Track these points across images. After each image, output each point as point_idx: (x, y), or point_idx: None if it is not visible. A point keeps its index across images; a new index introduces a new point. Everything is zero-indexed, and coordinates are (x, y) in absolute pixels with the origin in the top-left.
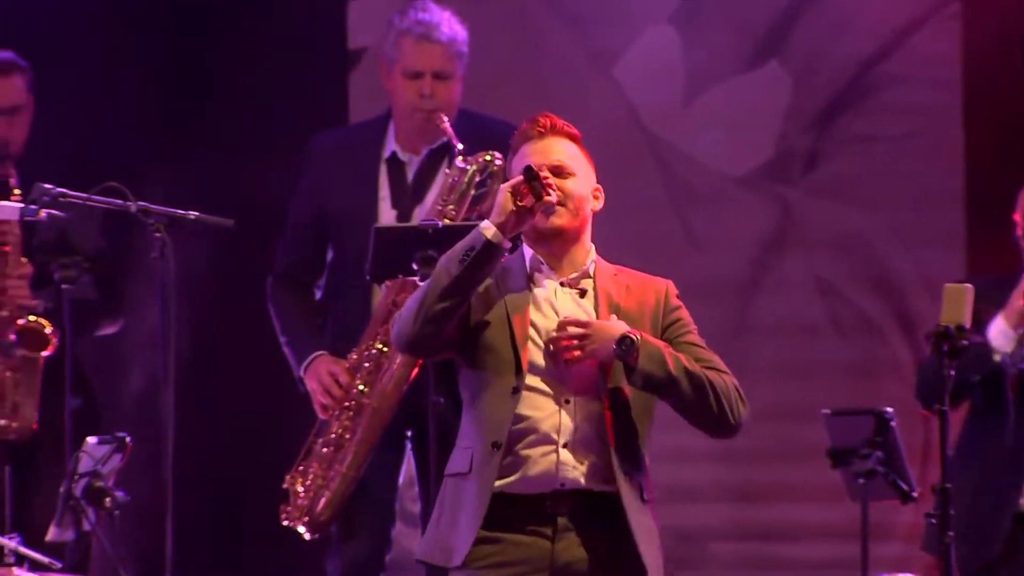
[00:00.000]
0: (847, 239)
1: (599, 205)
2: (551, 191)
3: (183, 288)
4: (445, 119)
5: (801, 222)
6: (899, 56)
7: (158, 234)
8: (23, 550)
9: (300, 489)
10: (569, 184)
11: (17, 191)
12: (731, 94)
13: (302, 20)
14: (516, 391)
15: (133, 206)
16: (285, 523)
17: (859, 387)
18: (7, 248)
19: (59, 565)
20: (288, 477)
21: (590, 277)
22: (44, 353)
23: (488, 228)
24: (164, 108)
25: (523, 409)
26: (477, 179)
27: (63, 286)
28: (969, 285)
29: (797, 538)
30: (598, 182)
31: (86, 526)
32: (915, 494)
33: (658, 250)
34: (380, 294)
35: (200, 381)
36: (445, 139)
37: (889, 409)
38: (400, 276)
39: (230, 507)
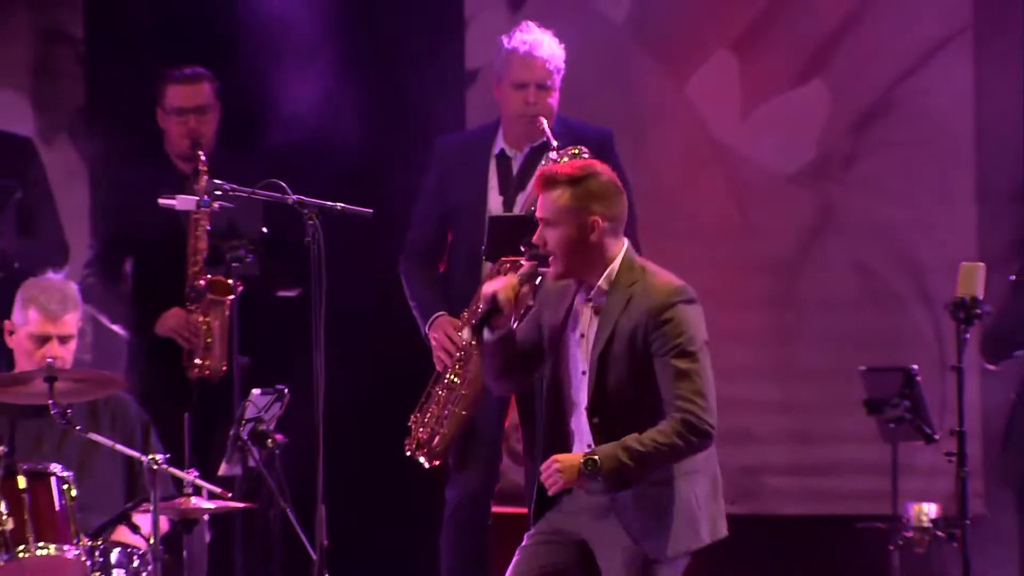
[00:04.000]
0: (878, 227)
1: (596, 233)
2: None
3: (330, 265)
4: (544, 122)
5: (840, 213)
6: (920, 74)
7: (311, 221)
8: (200, 482)
9: (420, 426)
10: (548, 235)
11: (204, 177)
12: (782, 106)
13: (426, 44)
14: None
15: (291, 198)
16: (408, 454)
17: (889, 350)
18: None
19: (229, 495)
20: (412, 416)
21: (605, 292)
22: (230, 298)
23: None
24: (314, 123)
25: None
26: None
27: (232, 264)
28: (982, 263)
29: (839, 473)
30: (615, 197)
31: (251, 463)
32: (936, 436)
33: (722, 236)
34: (487, 267)
35: (344, 341)
36: (544, 139)
37: (915, 367)
38: (511, 255)
39: (370, 444)
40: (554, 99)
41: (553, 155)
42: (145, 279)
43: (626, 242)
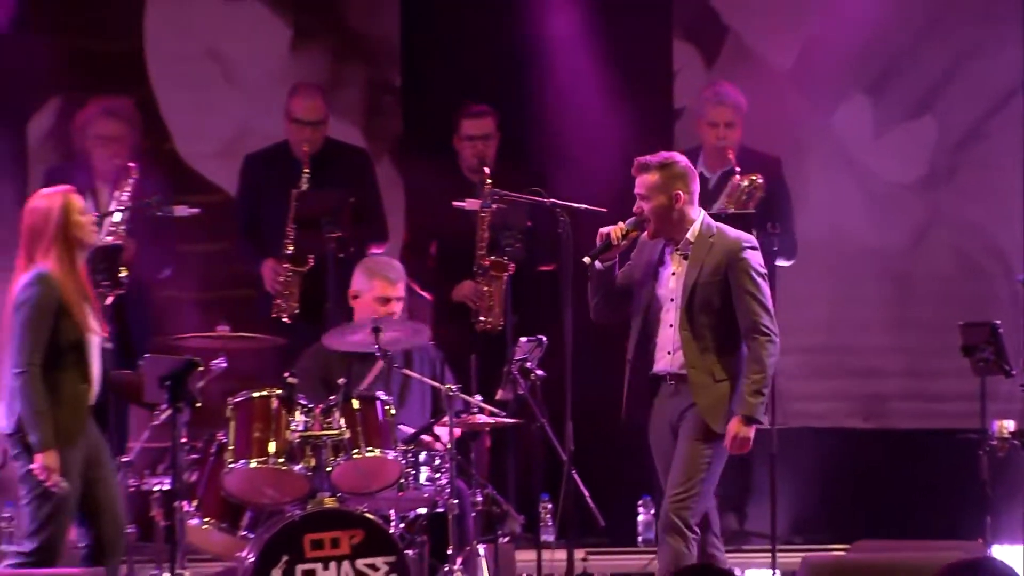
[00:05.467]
0: (972, 223)
1: (679, 203)
2: (613, 242)
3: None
4: (731, 152)
5: (944, 213)
6: (1003, 111)
7: (563, 218)
8: (484, 405)
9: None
10: (644, 206)
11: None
12: (901, 134)
13: (645, 90)
14: None
15: (548, 201)
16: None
17: (979, 310)
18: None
19: (503, 414)
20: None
21: (691, 244)
22: (505, 274)
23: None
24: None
25: None
26: (746, 189)
27: (506, 249)
28: None
29: (943, 399)
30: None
31: (520, 391)
32: (1014, 372)
33: (857, 230)
34: None
35: (587, 304)
36: (732, 165)
37: (998, 322)
38: None
39: (603, 377)
40: (738, 134)
41: (737, 178)
42: (445, 258)
43: (702, 211)
